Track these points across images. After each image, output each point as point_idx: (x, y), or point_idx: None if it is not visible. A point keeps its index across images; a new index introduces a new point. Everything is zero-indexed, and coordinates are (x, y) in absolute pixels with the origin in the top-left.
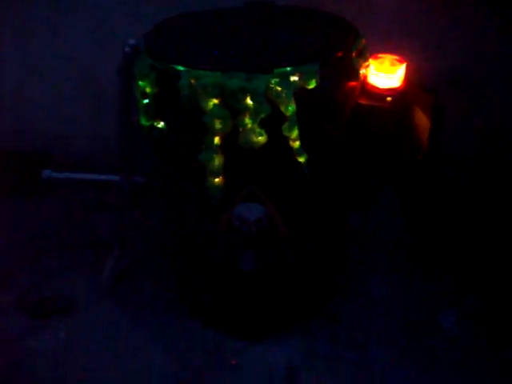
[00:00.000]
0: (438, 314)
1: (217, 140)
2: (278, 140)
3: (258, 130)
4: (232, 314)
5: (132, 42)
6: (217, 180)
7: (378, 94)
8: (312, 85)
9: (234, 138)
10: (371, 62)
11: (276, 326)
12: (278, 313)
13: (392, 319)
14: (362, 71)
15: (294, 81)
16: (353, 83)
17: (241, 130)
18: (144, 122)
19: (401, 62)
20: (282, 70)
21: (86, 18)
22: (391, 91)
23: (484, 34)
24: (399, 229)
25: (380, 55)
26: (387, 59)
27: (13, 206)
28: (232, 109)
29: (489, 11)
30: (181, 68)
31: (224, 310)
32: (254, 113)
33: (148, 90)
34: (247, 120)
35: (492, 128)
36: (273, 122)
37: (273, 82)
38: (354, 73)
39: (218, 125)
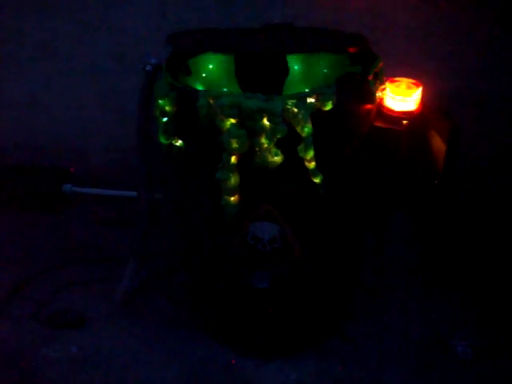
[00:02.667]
0: (452, 337)
1: (233, 159)
2: (293, 160)
3: (274, 150)
4: (245, 333)
5: (153, 60)
6: (232, 198)
7: (394, 117)
8: (328, 107)
9: (250, 158)
10: (388, 85)
11: (289, 346)
12: (291, 332)
13: (405, 342)
14: (379, 94)
15: (311, 102)
16: (369, 106)
17: (257, 149)
18: (163, 139)
19: (417, 85)
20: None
21: (107, 34)
22: (407, 114)
23: (503, 56)
24: (414, 252)
25: (396, 78)
26: (404, 82)
27: (32, 219)
28: (249, 129)
29: (507, 33)
30: (200, 88)
31: (237, 328)
32: (271, 133)
33: (167, 108)
34: (264, 140)
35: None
36: (289, 143)
37: (290, 103)
38: (370, 95)
39: (234, 144)
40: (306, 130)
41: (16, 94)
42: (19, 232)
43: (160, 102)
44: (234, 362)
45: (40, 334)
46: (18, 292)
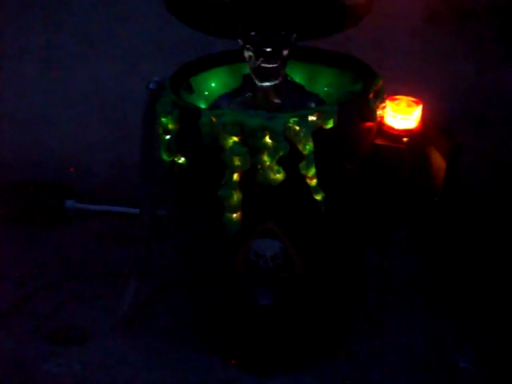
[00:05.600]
0: (455, 353)
1: (236, 177)
2: (295, 178)
3: (276, 167)
4: (247, 349)
5: (156, 78)
6: (235, 215)
7: (394, 135)
8: (330, 125)
9: (252, 175)
10: (388, 103)
11: (291, 362)
12: (292, 349)
13: (407, 358)
14: (379, 112)
15: (312, 120)
16: (370, 124)
17: (259, 167)
18: (165, 157)
19: (417, 103)
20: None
21: (111, 50)
22: (408, 132)
23: (503, 74)
24: (415, 269)
25: (397, 96)
26: (404, 101)
27: (35, 235)
28: (251, 147)
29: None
30: (202, 106)
31: (239, 344)
32: (273, 151)
33: (170, 126)
34: (266, 158)
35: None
36: (291, 161)
37: (291, 121)
38: (370, 114)
39: (237, 162)
40: (308, 147)
41: (19, 110)
42: (22, 247)
43: (163, 119)
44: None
45: (42, 349)
46: (20, 307)
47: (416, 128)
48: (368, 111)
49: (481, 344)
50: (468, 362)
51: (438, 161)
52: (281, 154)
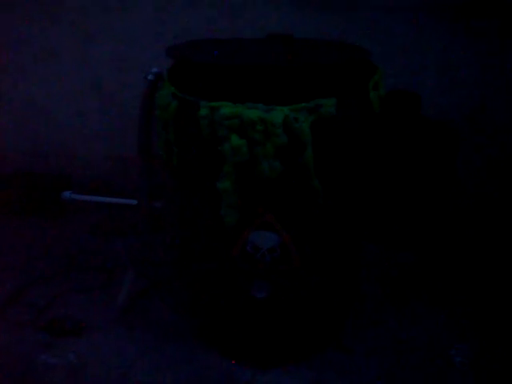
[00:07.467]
0: (450, 348)
1: (234, 169)
2: (293, 170)
3: (274, 159)
4: (243, 342)
5: (155, 70)
6: (232, 208)
7: (393, 127)
8: (328, 117)
9: (250, 167)
10: (387, 95)
11: (287, 356)
12: (289, 342)
13: (403, 352)
14: (378, 104)
15: (311, 113)
16: (369, 116)
17: (257, 159)
18: (163, 148)
19: (416, 96)
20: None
21: (110, 43)
22: (406, 124)
23: (503, 67)
24: (412, 262)
25: (395, 89)
26: (402, 93)
27: (32, 226)
28: (249, 139)
29: (508, 43)
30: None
31: (235, 337)
32: (271, 143)
33: (168, 117)
34: (264, 150)
35: (509, 162)
36: (289, 152)
37: (290, 113)
38: (370, 106)
39: (235, 154)
40: (306, 139)
41: (17, 101)
42: (18, 238)
43: (161, 111)
44: (233, 362)
45: (39, 340)
46: (16, 298)
47: (415, 121)
48: (367, 103)
49: (476, 339)
50: (463, 356)
51: (437, 153)
52: (279, 145)
